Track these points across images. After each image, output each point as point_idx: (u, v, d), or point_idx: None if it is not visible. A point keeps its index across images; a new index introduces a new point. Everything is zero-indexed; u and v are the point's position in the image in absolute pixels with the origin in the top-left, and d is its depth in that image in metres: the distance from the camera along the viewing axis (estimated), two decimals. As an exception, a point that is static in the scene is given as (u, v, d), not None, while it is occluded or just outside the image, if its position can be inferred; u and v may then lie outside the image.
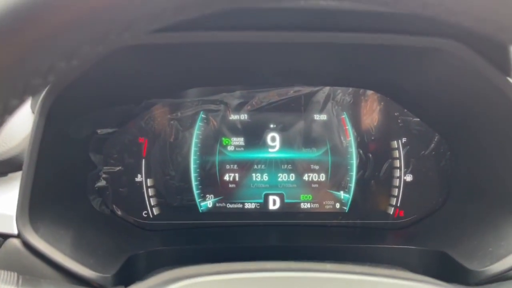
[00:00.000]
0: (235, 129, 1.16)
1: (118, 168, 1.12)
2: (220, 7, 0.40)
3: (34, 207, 0.81)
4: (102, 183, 1.10)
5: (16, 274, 0.64)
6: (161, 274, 0.54)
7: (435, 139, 1.14)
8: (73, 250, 0.84)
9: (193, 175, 1.16)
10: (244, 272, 0.51)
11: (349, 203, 1.18)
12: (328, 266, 0.55)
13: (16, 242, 0.80)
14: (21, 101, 0.39)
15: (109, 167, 1.11)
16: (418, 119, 1.13)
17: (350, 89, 1.15)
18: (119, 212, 1.12)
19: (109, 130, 1.07)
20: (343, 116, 1.16)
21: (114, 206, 1.12)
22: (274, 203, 1.18)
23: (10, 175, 0.95)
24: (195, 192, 1.16)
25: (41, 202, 0.84)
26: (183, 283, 0.49)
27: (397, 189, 1.17)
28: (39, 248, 0.79)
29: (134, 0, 0.39)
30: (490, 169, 0.97)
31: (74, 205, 0.98)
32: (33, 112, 0.96)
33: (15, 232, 0.80)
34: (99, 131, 1.05)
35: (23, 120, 1.00)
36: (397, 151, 1.16)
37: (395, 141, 1.16)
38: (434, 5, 0.41)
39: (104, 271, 0.82)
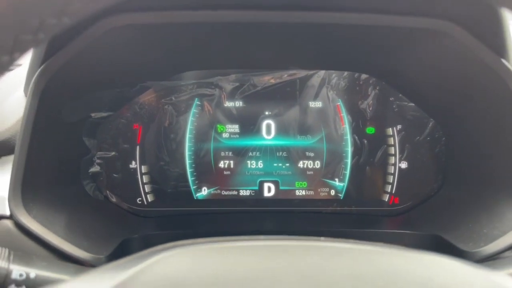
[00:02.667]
0: (230, 116, 1.16)
1: (112, 154, 1.11)
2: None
3: (26, 189, 0.81)
4: (96, 168, 1.09)
5: (7, 249, 0.64)
6: (148, 249, 0.54)
7: (430, 125, 1.14)
8: (66, 232, 0.83)
9: (187, 162, 1.16)
10: (236, 241, 0.50)
11: (344, 190, 1.18)
12: (322, 238, 0.55)
13: (8, 223, 0.79)
14: (11, 58, 0.39)
15: (103, 152, 1.10)
16: (413, 104, 1.13)
17: (345, 73, 1.15)
18: (113, 198, 1.12)
19: (103, 114, 1.06)
20: (338, 103, 1.16)
21: (108, 192, 1.11)
22: (269, 190, 1.18)
23: (3, 158, 0.94)
24: (190, 179, 1.16)
25: (33, 185, 0.83)
26: (171, 252, 0.48)
27: (392, 176, 1.17)
28: (31, 229, 0.78)
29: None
30: (484, 153, 0.97)
31: (68, 189, 0.98)
32: (26, 95, 0.95)
33: (8, 213, 0.79)
34: (93, 114, 1.04)
35: (16, 103, 0.99)
36: (392, 137, 1.16)
37: (390, 128, 1.16)
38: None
39: (98, 252, 0.82)
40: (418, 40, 0.87)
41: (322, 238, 0.55)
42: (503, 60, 0.83)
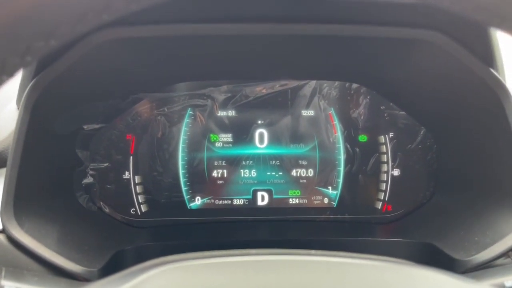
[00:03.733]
0: (222, 125, 1.16)
1: (105, 165, 1.11)
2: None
3: (19, 202, 0.81)
4: (89, 179, 1.09)
5: (-1, 266, 0.64)
6: (143, 263, 0.54)
7: (421, 133, 1.15)
8: (59, 245, 0.83)
9: (181, 171, 1.16)
10: (226, 257, 0.51)
11: (337, 198, 1.19)
12: (313, 252, 0.55)
13: (0, 237, 0.79)
14: (21, 61, 0.39)
15: (96, 164, 1.10)
16: (404, 113, 1.14)
17: (336, 82, 1.15)
18: (106, 209, 1.12)
19: (96, 126, 1.06)
20: (331, 111, 1.17)
21: (101, 203, 1.11)
22: (262, 199, 1.18)
23: (-5, 171, 0.94)
24: (183, 188, 1.16)
25: (26, 198, 0.83)
26: (163, 268, 0.49)
27: (384, 184, 1.17)
28: (24, 242, 0.78)
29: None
30: (475, 160, 0.97)
31: (61, 201, 0.97)
32: (18, 108, 0.95)
33: (0, 227, 0.79)
34: (85, 126, 1.04)
35: (8, 116, 0.99)
36: (384, 145, 1.17)
37: (382, 136, 1.17)
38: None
39: (90, 265, 0.82)
40: (407, 50, 0.88)
41: (313, 251, 0.56)
42: (491, 70, 0.83)
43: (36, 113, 0.82)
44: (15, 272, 0.64)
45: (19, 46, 0.37)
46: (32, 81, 0.81)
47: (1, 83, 0.39)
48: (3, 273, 0.62)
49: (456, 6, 0.42)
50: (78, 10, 0.39)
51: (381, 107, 1.16)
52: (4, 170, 0.84)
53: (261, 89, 1.15)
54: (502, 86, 0.83)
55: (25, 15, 0.37)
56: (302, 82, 1.15)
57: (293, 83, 1.15)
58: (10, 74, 0.39)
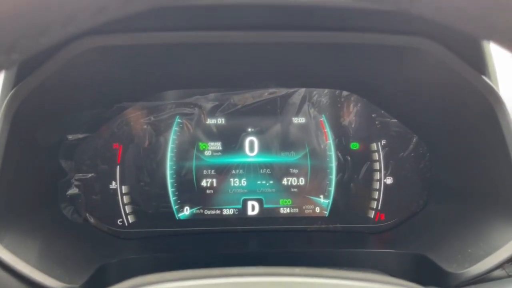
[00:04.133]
0: (211, 134, 1.14)
1: (90, 175, 1.09)
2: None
3: (-2, 216, 0.78)
4: (74, 190, 1.06)
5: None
6: (121, 283, 0.52)
7: (414, 140, 1.13)
8: (39, 260, 0.80)
9: (169, 181, 1.13)
10: (207, 278, 0.48)
11: (329, 207, 1.16)
12: (297, 270, 0.53)
13: (-22, 252, 0.76)
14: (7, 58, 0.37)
15: (81, 174, 1.08)
16: (396, 120, 1.12)
17: (326, 90, 1.13)
18: (92, 220, 1.09)
19: (80, 136, 1.04)
20: (322, 118, 1.15)
21: (87, 214, 1.08)
22: (253, 209, 1.16)
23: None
24: (172, 198, 1.14)
25: (6, 211, 0.81)
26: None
27: (377, 192, 1.15)
28: (2, 258, 0.75)
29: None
30: (469, 169, 0.95)
31: (44, 214, 0.95)
32: (-1, 118, 0.93)
33: (-22, 242, 0.77)
34: (69, 136, 1.02)
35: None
36: (376, 153, 1.15)
37: (374, 143, 1.15)
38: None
39: (72, 281, 0.79)
40: (398, 58, 0.86)
41: (297, 269, 0.53)
42: (483, 77, 0.82)
43: (16, 124, 0.79)
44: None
45: (6, 42, 0.35)
46: (12, 91, 0.79)
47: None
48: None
49: (443, 18, 0.40)
50: (68, 10, 0.37)
51: (373, 115, 1.14)
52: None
53: (250, 97, 1.13)
54: (494, 94, 0.81)
55: (14, 13, 0.35)
56: (291, 90, 1.13)
57: (282, 91, 1.13)
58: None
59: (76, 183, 1.07)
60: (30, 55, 0.40)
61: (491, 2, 0.38)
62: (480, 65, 0.83)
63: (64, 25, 0.38)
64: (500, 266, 0.79)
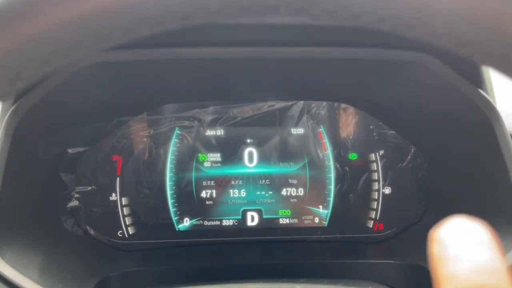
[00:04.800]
0: (211, 145, 1.15)
1: (91, 188, 1.09)
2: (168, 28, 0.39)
3: (0, 231, 0.79)
4: (74, 203, 1.07)
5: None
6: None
7: (412, 151, 1.13)
8: (40, 275, 0.81)
9: (169, 192, 1.14)
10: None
11: (328, 218, 1.17)
12: (298, 286, 0.54)
13: (-20, 268, 0.77)
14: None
15: (82, 187, 1.08)
16: (394, 132, 1.13)
17: (324, 103, 1.14)
18: (92, 233, 1.09)
19: (80, 149, 1.04)
20: (320, 129, 1.16)
21: (87, 226, 1.09)
22: (252, 219, 1.17)
23: (-24, 198, 0.91)
24: (171, 210, 1.14)
25: (7, 226, 0.81)
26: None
27: (376, 202, 1.16)
28: (4, 274, 0.75)
29: (81, 21, 0.37)
30: (465, 180, 0.96)
31: (44, 227, 0.95)
32: (-1, 132, 0.93)
33: (-21, 257, 0.77)
34: (70, 150, 1.02)
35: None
36: (374, 163, 1.16)
37: (372, 154, 1.16)
38: (390, 20, 0.40)
39: (73, 296, 0.80)
40: (395, 72, 0.87)
41: (297, 286, 0.54)
42: (480, 90, 0.83)
43: (17, 139, 0.80)
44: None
45: (12, 72, 0.36)
46: (12, 107, 0.79)
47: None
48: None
49: (438, 42, 0.41)
50: (73, 38, 0.38)
51: (370, 126, 1.15)
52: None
53: (249, 110, 1.13)
54: (491, 107, 0.82)
55: (19, 43, 0.36)
56: (290, 103, 1.14)
57: (281, 104, 1.14)
58: (1, 99, 0.38)
59: (76, 195, 1.07)
60: (34, 81, 0.40)
61: (486, 28, 0.39)
62: (476, 78, 0.84)
63: (69, 53, 0.39)
64: (498, 277, 0.80)
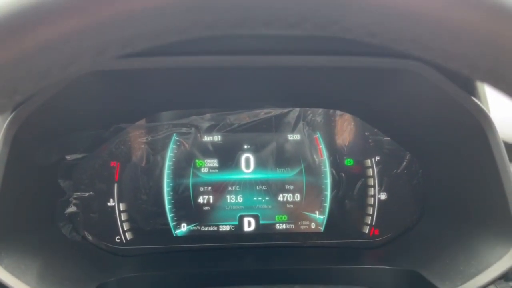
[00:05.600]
0: (208, 151, 1.16)
1: (89, 193, 1.10)
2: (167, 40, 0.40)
3: (-2, 237, 0.79)
4: (72, 209, 1.07)
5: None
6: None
7: (407, 158, 1.15)
8: (39, 281, 0.81)
9: (166, 198, 1.15)
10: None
11: (324, 223, 1.18)
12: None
13: (-22, 274, 0.77)
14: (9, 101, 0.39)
15: (79, 193, 1.09)
16: (389, 138, 1.14)
17: (320, 109, 1.15)
18: (90, 238, 1.10)
19: (79, 156, 1.05)
20: (316, 135, 1.17)
21: (85, 232, 1.09)
22: (249, 225, 1.17)
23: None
24: (169, 215, 1.15)
25: (5, 232, 0.82)
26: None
27: (371, 208, 1.17)
28: (2, 280, 0.76)
29: (84, 34, 0.38)
30: (460, 187, 0.97)
31: (42, 233, 0.96)
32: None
33: (-22, 263, 0.77)
34: (68, 157, 1.03)
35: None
36: (370, 169, 1.17)
37: (368, 160, 1.17)
38: (381, 34, 0.41)
39: (71, 302, 0.80)
40: (390, 79, 0.88)
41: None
42: (473, 98, 0.84)
43: (16, 146, 0.80)
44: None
45: (8, 86, 0.37)
46: (11, 115, 0.80)
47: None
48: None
49: (428, 56, 0.42)
50: (68, 54, 0.39)
51: (366, 133, 1.16)
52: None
53: (245, 117, 1.14)
54: (484, 115, 0.83)
55: (16, 59, 0.37)
56: (286, 110, 1.15)
57: (277, 111, 1.15)
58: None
59: (74, 201, 1.08)
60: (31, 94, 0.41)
61: (475, 45, 0.40)
62: (469, 86, 0.86)
63: (65, 67, 0.40)
64: (491, 283, 0.81)
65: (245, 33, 0.73)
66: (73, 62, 0.39)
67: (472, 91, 0.86)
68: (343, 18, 0.40)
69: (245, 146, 1.16)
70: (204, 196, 1.16)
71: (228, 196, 1.17)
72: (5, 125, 0.80)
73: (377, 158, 1.16)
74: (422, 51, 0.42)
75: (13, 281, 0.77)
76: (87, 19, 0.36)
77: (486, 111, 0.84)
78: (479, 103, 0.84)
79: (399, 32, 0.40)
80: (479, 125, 0.83)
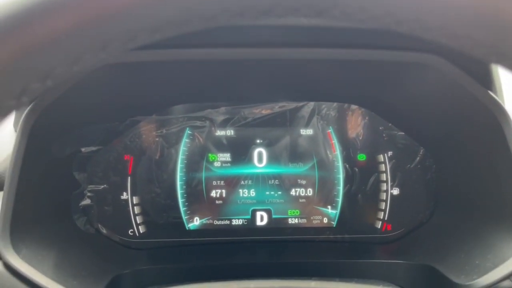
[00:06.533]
0: (221, 145, 1.16)
1: (103, 186, 1.11)
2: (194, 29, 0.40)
3: (15, 228, 0.80)
4: (87, 201, 1.08)
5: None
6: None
7: (420, 153, 1.14)
8: (55, 271, 0.82)
9: (179, 192, 1.15)
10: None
11: (336, 218, 1.18)
12: (313, 284, 0.55)
13: (-3, 264, 0.78)
14: (17, 103, 0.39)
15: (94, 186, 1.10)
16: (403, 133, 1.14)
17: (335, 104, 1.15)
18: (104, 231, 1.11)
19: (93, 148, 1.06)
20: (329, 130, 1.17)
21: (99, 225, 1.10)
22: (261, 219, 1.18)
23: (-9, 195, 0.93)
24: (182, 209, 1.15)
25: (23, 223, 0.82)
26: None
27: (384, 203, 1.17)
28: (20, 270, 0.77)
29: (109, 21, 0.38)
30: (474, 182, 0.97)
31: (58, 225, 0.97)
32: (15, 130, 0.95)
33: (-4, 254, 0.78)
34: (83, 149, 1.04)
35: (5, 139, 0.99)
36: (383, 164, 1.16)
37: (381, 155, 1.16)
38: (408, 22, 0.41)
39: (87, 292, 0.81)
40: (405, 73, 0.88)
41: (312, 283, 0.55)
42: (490, 92, 0.84)
43: (33, 138, 0.81)
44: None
45: (15, 88, 0.37)
46: (29, 106, 0.81)
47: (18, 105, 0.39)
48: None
49: (454, 43, 0.42)
50: (75, 50, 0.39)
51: (380, 128, 1.16)
52: (0, 194, 0.84)
53: (260, 111, 1.15)
54: (500, 108, 0.83)
55: (22, 57, 0.37)
56: (301, 104, 1.15)
57: (291, 105, 1.15)
58: (5, 115, 0.39)
59: (88, 194, 1.09)
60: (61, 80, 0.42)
61: (501, 31, 0.40)
62: (486, 80, 0.85)
63: (97, 52, 0.40)
64: (507, 277, 0.81)
65: (263, 22, 0.73)
66: (104, 47, 0.40)
67: (488, 84, 0.86)
68: (371, 5, 0.40)
69: (258, 141, 1.17)
70: (217, 190, 1.17)
71: (240, 191, 1.17)
72: (22, 116, 0.81)
73: (390, 153, 1.16)
74: (449, 39, 0.42)
75: (31, 271, 0.78)
76: (120, 3, 0.36)
77: (502, 104, 0.84)
78: (495, 96, 0.84)
79: (427, 20, 0.40)
80: (495, 119, 0.83)
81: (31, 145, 0.81)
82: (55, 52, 0.38)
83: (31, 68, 0.38)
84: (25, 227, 0.83)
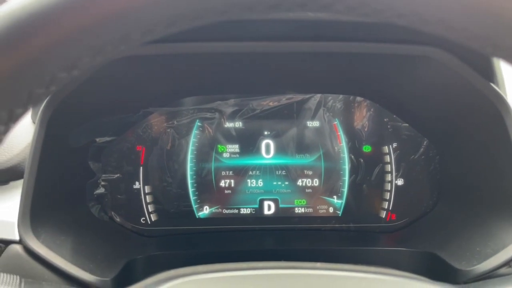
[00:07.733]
0: (230, 137, 1.19)
1: (116, 176, 1.15)
2: (207, 22, 0.43)
3: (35, 214, 0.84)
4: (101, 190, 1.12)
5: (18, 277, 0.67)
6: (157, 275, 0.57)
7: (424, 144, 1.17)
8: (73, 255, 0.86)
9: (189, 182, 1.19)
10: (236, 270, 0.53)
11: (342, 208, 1.21)
12: (318, 264, 0.58)
13: (18, 248, 0.82)
14: (25, 110, 0.42)
15: (107, 175, 1.14)
16: (407, 125, 1.16)
17: (340, 96, 1.18)
18: (117, 219, 1.15)
19: (108, 139, 1.10)
20: (335, 122, 1.20)
21: (112, 212, 1.14)
22: (269, 208, 1.21)
23: (11, 183, 0.97)
24: (192, 198, 1.19)
25: (41, 209, 0.86)
26: (177, 281, 0.51)
27: (388, 193, 1.20)
28: (40, 253, 0.81)
29: (130, 14, 0.42)
30: (477, 172, 1.00)
31: (74, 212, 1.01)
32: (33, 122, 0.99)
33: (17, 238, 0.82)
34: (97, 139, 1.08)
35: (24, 130, 1.03)
36: (388, 155, 1.19)
37: (386, 146, 1.19)
38: (407, 15, 0.44)
39: (103, 275, 0.84)
40: (409, 66, 0.90)
41: (318, 264, 0.58)
42: (492, 84, 0.86)
43: (51, 128, 0.85)
44: (33, 283, 0.67)
45: (45, 77, 0.41)
46: (47, 98, 0.84)
47: (26, 112, 0.42)
48: (22, 285, 0.65)
49: (452, 36, 0.45)
50: (99, 41, 0.42)
51: (385, 119, 1.18)
52: (20, 182, 0.88)
53: (268, 103, 1.18)
54: (502, 100, 0.85)
55: (53, 48, 0.40)
56: (307, 96, 1.18)
57: (298, 97, 1.18)
58: (36, 103, 0.42)
59: (102, 183, 1.13)
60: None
61: (494, 23, 0.42)
62: (488, 72, 0.87)
63: (117, 44, 0.43)
64: (507, 263, 0.84)
65: (271, 16, 0.76)
66: (123, 39, 0.43)
67: (491, 77, 0.88)
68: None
69: (266, 132, 1.20)
70: (226, 180, 1.20)
71: (248, 181, 1.21)
72: (41, 107, 0.85)
73: (395, 144, 1.19)
74: (446, 31, 0.45)
75: (50, 254, 0.82)
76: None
77: (504, 97, 0.86)
78: (497, 89, 0.86)
79: (426, 13, 0.43)
80: (497, 111, 0.85)
81: (49, 135, 0.85)
82: (82, 43, 0.41)
83: (60, 58, 0.41)
84: (44, 213, 0.87)
